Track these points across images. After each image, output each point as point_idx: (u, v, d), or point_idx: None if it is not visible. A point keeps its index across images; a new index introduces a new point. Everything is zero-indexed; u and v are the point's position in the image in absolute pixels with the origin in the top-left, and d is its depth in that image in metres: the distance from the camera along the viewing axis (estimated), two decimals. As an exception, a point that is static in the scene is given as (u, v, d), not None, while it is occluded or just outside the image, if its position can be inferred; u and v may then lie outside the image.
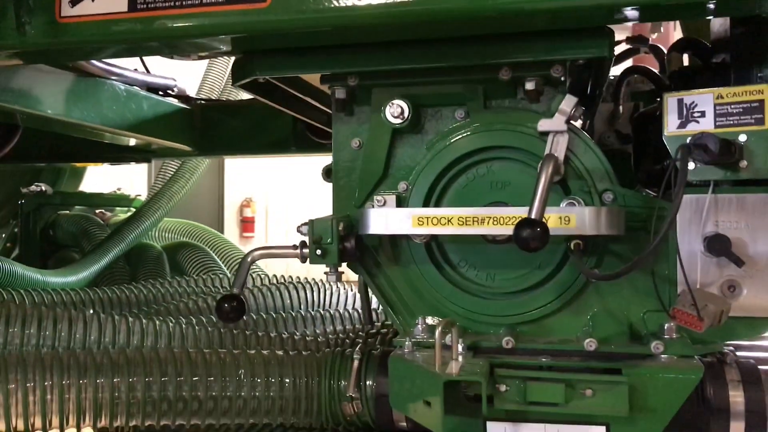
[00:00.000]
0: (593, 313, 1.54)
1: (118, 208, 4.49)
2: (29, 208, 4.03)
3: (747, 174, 1.43)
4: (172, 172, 3.94)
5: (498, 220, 1.45)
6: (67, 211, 4.21)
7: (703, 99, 1.48)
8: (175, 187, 3.79)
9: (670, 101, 1.51)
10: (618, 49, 2.15)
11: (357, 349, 1.72)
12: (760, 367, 1.55)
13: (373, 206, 1.60)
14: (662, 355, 1.44)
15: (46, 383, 1.57)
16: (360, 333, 2.02)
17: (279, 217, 12.28)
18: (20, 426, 1.60)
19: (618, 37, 1.62)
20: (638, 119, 2.03)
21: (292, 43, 1.52)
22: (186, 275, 3.59)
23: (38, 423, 1.59)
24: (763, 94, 1.43)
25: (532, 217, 1.28)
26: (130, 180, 8.47)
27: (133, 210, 4.30)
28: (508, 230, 1.42)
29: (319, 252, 1.52)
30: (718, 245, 1.42)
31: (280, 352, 1.74)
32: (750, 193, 1.45)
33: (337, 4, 1.35)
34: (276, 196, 12.45)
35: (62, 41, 1.49)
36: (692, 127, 1.48)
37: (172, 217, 4.28)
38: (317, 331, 2.30)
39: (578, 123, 1.54)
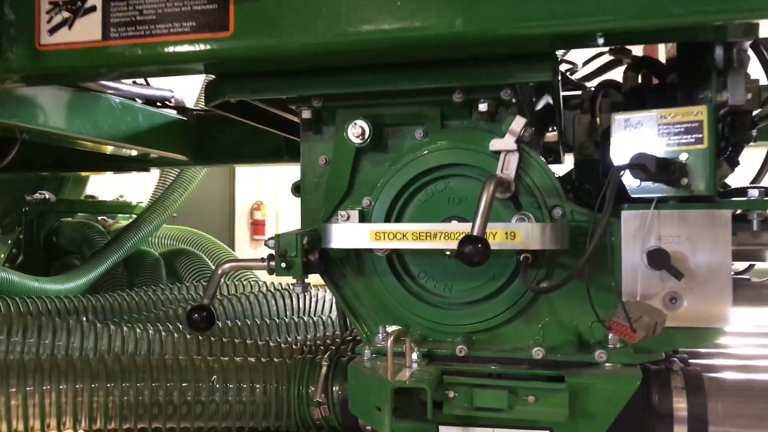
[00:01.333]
0: (544, 323, 1.62)
1: (119, 215, 4.60)
2: (33, 216, 4.15)
3: (688, 191, 1.50)
4: (171, 180, 4.06)
5: (450, 236, 1.53)
6: (70, 218, 4.33)
7: (648, 119, 1.56)
8: (173, 196, 3.89)
9: (618, 120, 1.58)
10: (602, 60, 2.22)
11: (326, 356, 1.80)
12: (707, 374, 1.62)
13: (338, 221, 1.69)
14: (606, 364, 1.52)
15: (27, 389, 1.68)
16: (334, 340, 2.11)
17: (290, 220, 12.40)
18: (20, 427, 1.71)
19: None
20: (603, 133, 2.10)
21: (257, 68, 1.61)
22: (182, 281, 3.70)
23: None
24: (702, 116, 1.50)
25: (474, 233, 1.36)
26: (143, 186, 8.62)
27: (135, 216, 4.41)
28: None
29: (284, 265, 1.61)
30: (658, 259, 1.49)
31: (253, 359, 1.83)
32: (690, 209, 1.52)
33: (295, 36, 1.43)
34: (287, 199, 12.58)
35: (41, 67, 1.59)
36: (637, 146, 1.55)
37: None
38: (297, 338, 2.38)
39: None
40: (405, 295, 1.68)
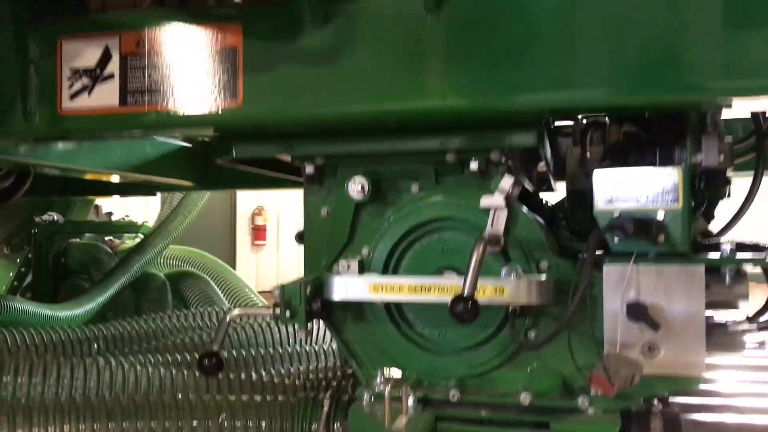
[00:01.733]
0: (531, 369, 1.74)
1: (126, 235, 4.72)
2: (42, 237, 4.27)
3: (664, 248, 1.62)
4: (175, 201, 4.18)
5: (443, 289, 1.65)
6: (78, 239, 4.45)
7: (628, 176, 1.67)
8: (178, 219, 4.02)
9: (599, 177, 1.70)
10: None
11: (327, 394, 1.92)
12: (686, 416, 1.74)
13: (339, 270, 1.81)
14: (589, 409, 1.64)
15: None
16: (336, 373, 2.22)
17: (290, 226, 12.52)
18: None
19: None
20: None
21: (264, 131, 1.73)
22: (188, 305, 3.82)
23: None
24: (677, 177, 1.62)
25: (465, 293, 1.47)
26: (145, 203, 8.74)
27: (141, 236, 4.53)
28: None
29: (288, 314, 1.73)
30: (636, 312, 1.60)
31: (258, 397, 1.95)
32: (667, 264, 1.63)
33: (298, 108, 1.55)
34: (287, 205, 12.71)
35: (62, 129, 1.71)
36: (618, 205, 1.67)
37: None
38: (300, 368, 2.49)
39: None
40: (402, 341, 1.79)
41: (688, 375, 1.63)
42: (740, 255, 1.61)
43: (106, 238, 4.59)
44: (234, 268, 4.99)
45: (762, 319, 1.76)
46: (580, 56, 1.43)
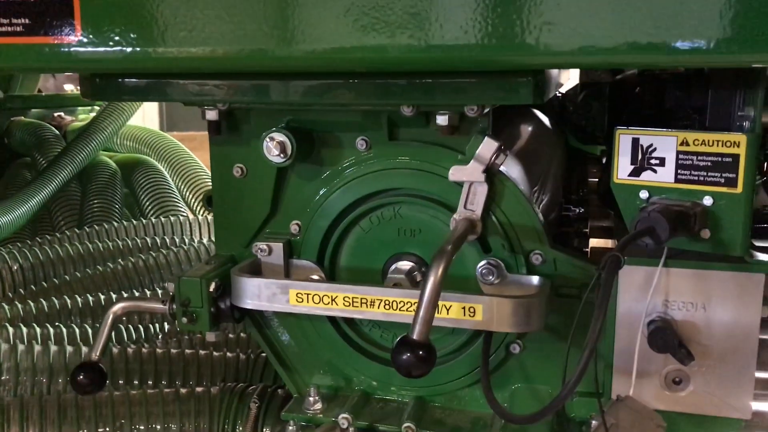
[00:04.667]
0: (514, 389, 1.30)
1: (79, 108, 4.16)
2: (-22, 116, 3.74)
3: (709, 246, 1.12)
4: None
5: (390, 305, 1.17)
6: (22, 117, 3.91)
7: (664, 142, 1.14)
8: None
9: (623, 140, 1.17)
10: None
11: (255, 394, 1.51)
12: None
13: (257, 253, 1.33)
14: (587, 455, 1.22)
15: None
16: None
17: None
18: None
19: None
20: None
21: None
22: (137, 197, 3.38)
23: None
24: (739, 148, 1.09)
25: (414, 337, 1.00)
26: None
27: (96, 109, 3.98)
28: (402, 317, 1.16)
29: (185, 319, 1.27)
30: (660, 341, 1.14)
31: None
32: (712, 269, 1.15)
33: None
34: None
35: None
36: (647, 177, 1.15)
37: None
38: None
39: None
40: (344, 346, 1.35)
41: (727, 416, 1.19)
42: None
43: (56, 114, 4.04)
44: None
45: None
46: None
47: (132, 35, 1.01)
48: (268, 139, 1.23)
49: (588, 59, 0.91)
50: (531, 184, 1.30)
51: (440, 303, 1.13)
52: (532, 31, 0.87)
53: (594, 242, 1.66)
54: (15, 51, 1.05)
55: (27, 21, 1.04)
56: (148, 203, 3.34)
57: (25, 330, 1.87)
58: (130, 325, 2.02)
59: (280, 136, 1.22)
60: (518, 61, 0.94)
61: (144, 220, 2.97)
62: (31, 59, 1.06)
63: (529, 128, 1.59)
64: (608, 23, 0.86)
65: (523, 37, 0.88)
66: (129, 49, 1.02)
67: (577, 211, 1.71)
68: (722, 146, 1.10)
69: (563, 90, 1.86)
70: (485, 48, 0.90)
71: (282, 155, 1.23)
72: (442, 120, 1.16)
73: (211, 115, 1.27)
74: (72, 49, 1.03)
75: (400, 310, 1.17)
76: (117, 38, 1.02)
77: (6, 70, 1.11)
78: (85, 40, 1.02)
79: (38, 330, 1.88)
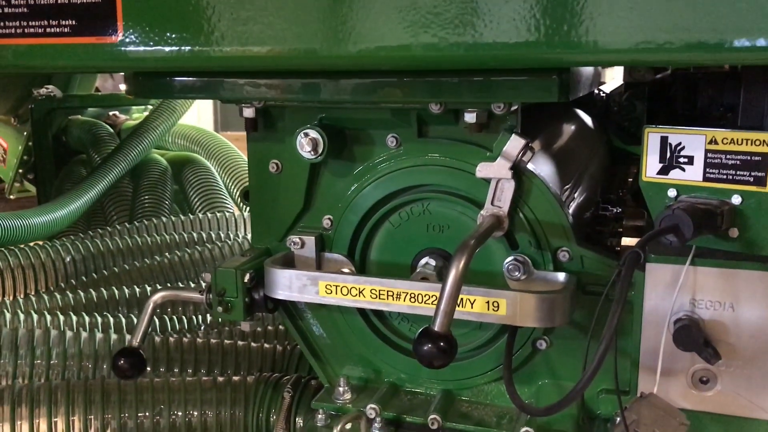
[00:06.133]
0: (541, 385, 1.31)
1: (133, 108, 4.29)
2: (39, 113, 3.88)
3: (737, 246, 1.12)
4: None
5: (416, 298, 1.20)
6: (79, 116, 4.05)
7: (693, 141, 1.14)
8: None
9: (652, 138, 1.17)
10: None
11: (289, 384, 1.55)
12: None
13: (291, 246, 1.37)
14: (612, 452, 1.22)
15: None
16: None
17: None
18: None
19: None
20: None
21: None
22: (186, 195, 3.47)
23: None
24: (768, 147, 1.08)
25: (436, 328, 1.02)
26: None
27: (149, 108, 4.10)
28: (427, 310, 1.19)
29: (220, 308, 1.32)
30: (686, 339, 1.14)
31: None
32: (742, 269, 1.14)
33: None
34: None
35: None
36: (675, 175, 1.15)
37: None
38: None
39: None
40: (373, 338, 1.38)
41: (755, 418, 1.18)
42: None
43: (111, 113, 4.18)
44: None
45: None
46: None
47: (173, 36, 1.06)
48: (301, 136, 1.26)
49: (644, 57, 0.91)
50: (562, 183, 1.31)
51: (464, 297, 1.16)
52: (588, 27, 0.88)
53: (626, 241, 1.65)
54: (61, 51, 1.11)
55: (73, 22, 1.10)
56: (196, 199, 3.43)
57: (74, 318, 1.96)
58: (174, 316, 2.09)
59: (312, 133, 1.26)
60: (572, 59, 0.95)
61: (191, 216, 3.05)
62: (76, 58, 1.12)
63: (568, 127, 1.60)
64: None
65: (578, 35, 0.89)
66: (167, 49, 1.07)
67: (615, 210, 1.70)
68: (751, 145, 1.09)
69: (607, 89, 1.87)
70: (541, 45, 0.91)
71: (314, 151, 1.27)
72: (470, 117, 1.18)
73: (248, 112, 1.32)
74: (114, 48, 1.09)
75: (425, 303, 1.19)
76: (157, 38, 1.07)
77: (52, 69, 1.16)
78: (126, 40, 1.08)
79: (87, 318, 1.97)
